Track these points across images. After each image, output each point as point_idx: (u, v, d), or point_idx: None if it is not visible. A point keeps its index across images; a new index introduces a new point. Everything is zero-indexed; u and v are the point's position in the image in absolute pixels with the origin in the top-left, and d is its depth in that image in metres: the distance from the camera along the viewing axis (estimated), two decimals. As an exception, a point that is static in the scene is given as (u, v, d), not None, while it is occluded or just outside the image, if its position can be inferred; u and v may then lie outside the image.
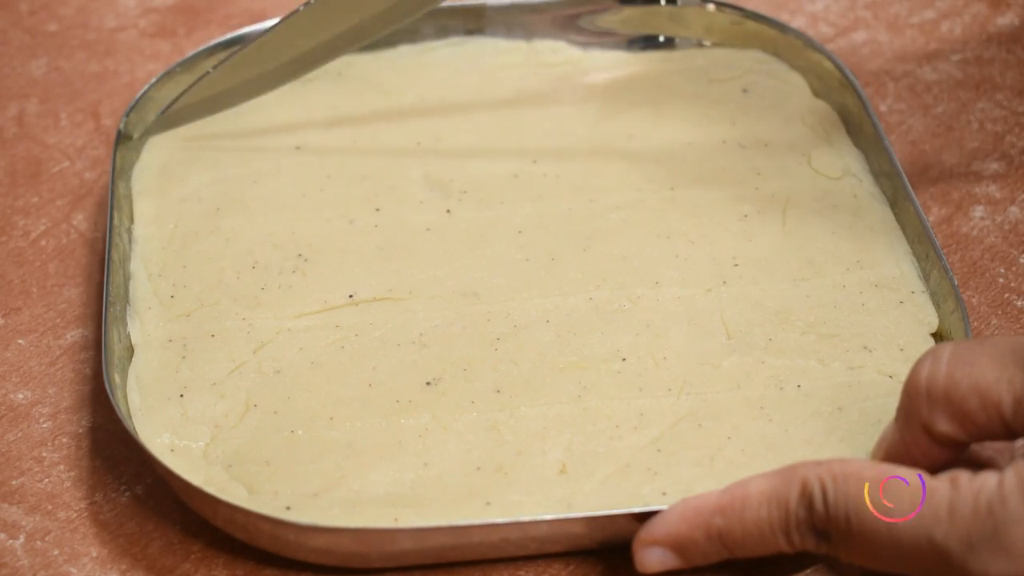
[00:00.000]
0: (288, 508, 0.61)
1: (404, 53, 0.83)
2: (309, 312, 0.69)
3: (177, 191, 0.75)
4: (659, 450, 0.63)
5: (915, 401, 0.57)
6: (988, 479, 0.54)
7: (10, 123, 0.83)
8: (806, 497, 0.56)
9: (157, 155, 0.77)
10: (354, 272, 0.71)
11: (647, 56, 0.84)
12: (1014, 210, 0.77)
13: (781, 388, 0.65)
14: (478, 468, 0.62)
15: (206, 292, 0.70)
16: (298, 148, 0.77)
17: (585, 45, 0.84)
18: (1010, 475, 0.53)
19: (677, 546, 0.58)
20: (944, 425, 0.56)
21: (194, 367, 0.66)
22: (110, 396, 0.63)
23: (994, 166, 0.79)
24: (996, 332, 0.71)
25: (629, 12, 0.83)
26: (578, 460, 0.62)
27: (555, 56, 0.83)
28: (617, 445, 0.63)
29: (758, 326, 0.68)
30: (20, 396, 0.68)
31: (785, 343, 0.67)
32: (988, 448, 0.59)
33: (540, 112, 0.80)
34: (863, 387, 0.65)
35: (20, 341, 0.71)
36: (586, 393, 0.65)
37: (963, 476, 0.54)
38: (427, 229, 0.73)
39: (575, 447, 0.63)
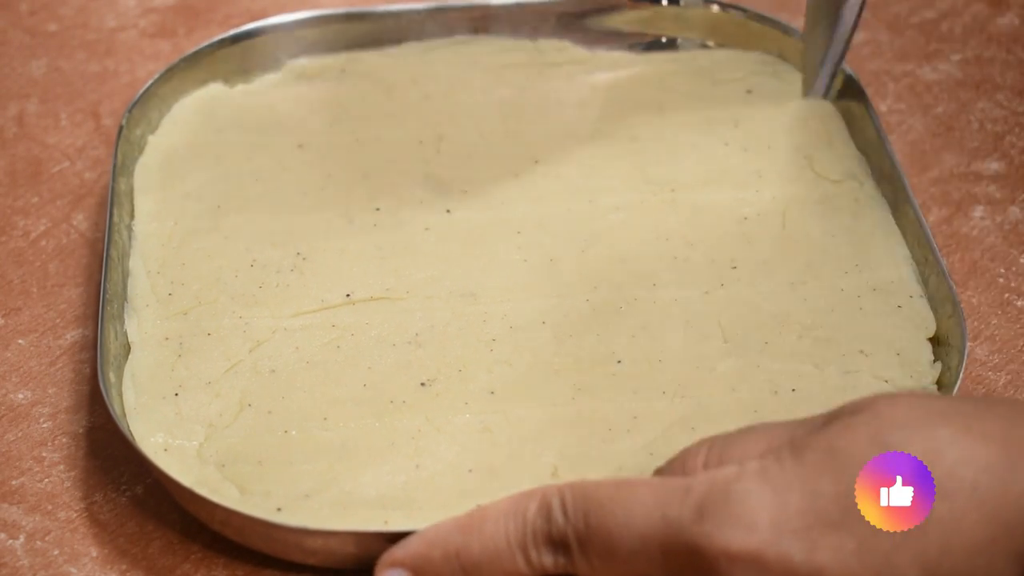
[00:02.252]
0: (279, 509, 0.61)
1: (409, 51, 0.83)
2: (306, 311, 0.69)
3: (179, 187, 0.75)
4: (651, 454, 0.62)
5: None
6: (728, 468, 0.54)
7: (10, 123, 0.83)
8: (544, 507, 0.56)
9: (160, 151, 0.77)
10: (352, 271, 0.70)
11: (651, 57, 0.83)
12: (1014, 210, 0.76)
13: (775, 392, 0.65)
14: (470, 470, 0.62)
15: (204, 290, 0.70)
16: (301, 146, 0.77)
17: (590, 45, 0.83)
18: (753, 464, 0.53)
19: (415, 567, 0.57)
20: None
21: (189, 366, 0.66)
22: (104, 395, 0.63)
23: (994, 166, 0.79)
24: (996, 332, 0.70)
25: (634, 13, 0.83)
26: (570, 463, 0.62)
27: (560, 55, 0.83)
28: (609, 449, 0.63)
29: (755, 329, 0.67)
30: (20, 396, 0.68)
31: (781, 347, 0.67)
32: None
33: (543, 112, 0.80)
34: (858, 391, 0.64)
35: (20, 341, 0.71)
36: (580, 395, 0.65)
37: (702, 470, 0.55)
38: (426, 229, 0.73)
39: (567, 450, 0.63)
